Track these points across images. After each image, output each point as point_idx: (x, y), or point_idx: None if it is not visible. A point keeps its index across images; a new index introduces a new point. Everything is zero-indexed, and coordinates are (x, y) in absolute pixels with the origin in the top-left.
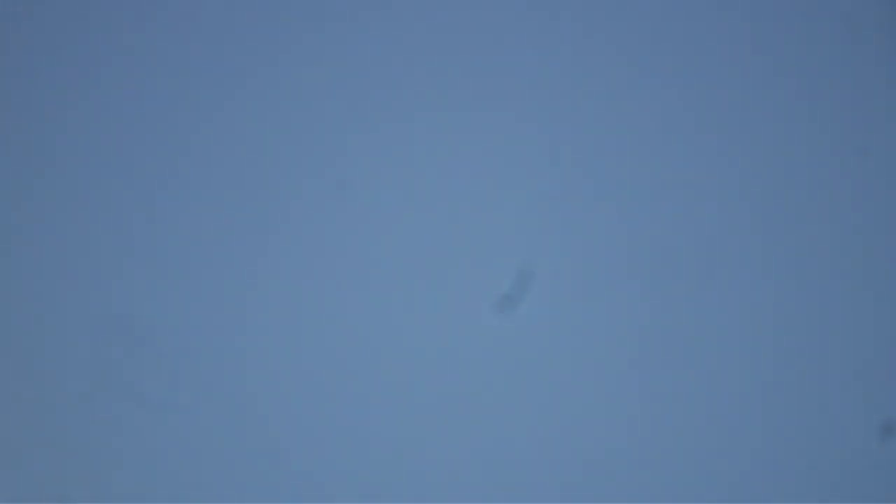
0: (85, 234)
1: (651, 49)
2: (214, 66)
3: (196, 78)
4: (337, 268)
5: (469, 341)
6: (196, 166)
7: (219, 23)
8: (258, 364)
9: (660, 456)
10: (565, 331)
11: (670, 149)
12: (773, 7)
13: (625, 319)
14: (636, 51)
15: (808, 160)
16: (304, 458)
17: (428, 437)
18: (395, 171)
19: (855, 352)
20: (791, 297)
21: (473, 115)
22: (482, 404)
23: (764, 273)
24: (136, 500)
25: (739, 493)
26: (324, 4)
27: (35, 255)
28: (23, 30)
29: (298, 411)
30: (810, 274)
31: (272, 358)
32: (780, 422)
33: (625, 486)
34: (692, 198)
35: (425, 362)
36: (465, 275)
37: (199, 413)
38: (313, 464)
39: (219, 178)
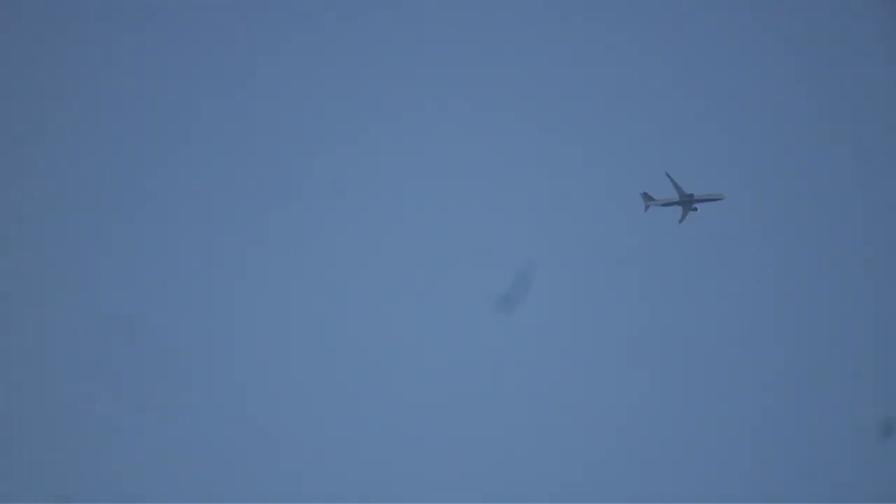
0: (86, 238)
1: (650, 52)
2: (214, 74)
3: (194, 87)
4: (337, 272)
5: (468, 341)
6: (196, 171)
7: (218, 29)
8: (258, 365)
9: (659, 455)
10: (564, 331)
11: (670, 150)
12: (774, 9)
13: (625, 320)
14: (634, 53)
15: (808, 161)
16: (304, 457)
17: (427, 436)
18: (394, 177)
19: (855, 352)
20: (791, 299)
21: (473, 121)
22: (481, 402)
23: (763, 274)
24: (136, 500)
25: (739, 493)
26: (324, 14)
27: (36, 257)
28: (25, 36)
29: (298, 411)
30: (810, 275)
31: (272, 359)
32: (780, 422)
33: (624, 484)
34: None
35: (425, 362)
36: (465, 276)
37: (199, 413)
38: (312, 463)
39: (220, 184)
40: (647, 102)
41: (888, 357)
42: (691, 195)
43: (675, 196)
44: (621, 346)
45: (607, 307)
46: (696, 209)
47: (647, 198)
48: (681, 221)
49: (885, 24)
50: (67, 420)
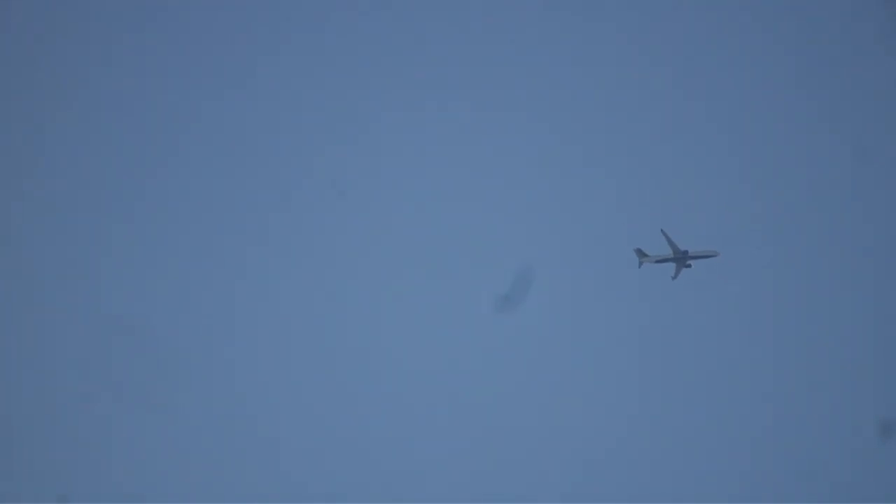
0: (86, 238)
1: (651, 51)
2: (214, 74)
3: (195, 87)
4: (337, 271)
5: (468, 341)
6: (197, 171)
7: (218, 29)
8: (259, 364)
9: (659, 455)
10: (564, 331)
11: (671, 150)
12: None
13: (625, 320)
14: (635, 53)
15: (808, 162)
16: (304, 457)
17: (426, 436)
18: (394, 177)
19: (854, 352)
20: (791, 298)
21: (473, 121)
22: (481, 402)
23: (764, 273)
24: (136, 500)
25: (739, 493)
26: (324, 13)
27: (36, 257)
28: (25, 35)
29: (298, 411)
30: (810, 275)
31: (272, 358)
32: (780, 422)
33: (624, 484)
34: (691, 197)
35: (425, 361)
36: (465, 276)
37: (199, 413)
38: (312, 463)
39: (220, 184)
40: (648, 101)
41: (888, 357)
42: (686, 252)
43: (668, 252)
44: (621, 346)
45: (607, 307)
46: (689, 265)
47: (640, 254)
48: (674, 278)
49: (885, 24)
50: (67, 420)
